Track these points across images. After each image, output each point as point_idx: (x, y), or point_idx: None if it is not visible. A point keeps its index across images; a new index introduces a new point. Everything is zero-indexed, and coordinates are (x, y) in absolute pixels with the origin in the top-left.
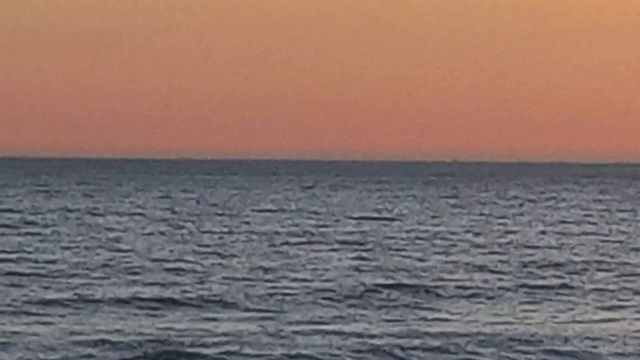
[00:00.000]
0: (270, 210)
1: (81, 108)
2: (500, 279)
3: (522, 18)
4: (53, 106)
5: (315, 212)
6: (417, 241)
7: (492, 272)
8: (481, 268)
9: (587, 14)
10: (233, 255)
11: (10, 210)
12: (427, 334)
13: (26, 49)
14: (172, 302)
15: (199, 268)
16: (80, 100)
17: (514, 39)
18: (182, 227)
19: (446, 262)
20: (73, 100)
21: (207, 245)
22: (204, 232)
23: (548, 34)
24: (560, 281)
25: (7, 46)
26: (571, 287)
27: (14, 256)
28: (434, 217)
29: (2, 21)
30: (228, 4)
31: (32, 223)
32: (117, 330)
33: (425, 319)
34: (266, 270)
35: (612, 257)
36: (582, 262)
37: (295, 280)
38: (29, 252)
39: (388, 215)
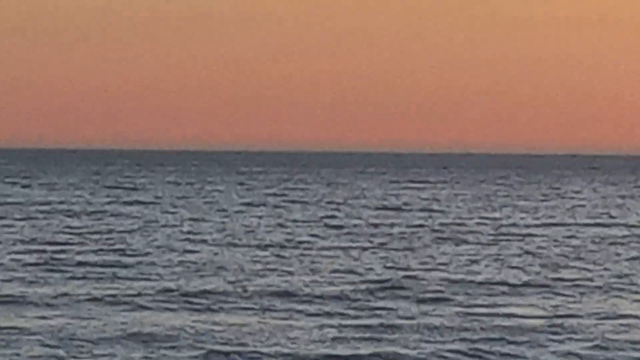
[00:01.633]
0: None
1: (81, 101)
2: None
3: (531, 10)
4: (59, 99)
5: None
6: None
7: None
8: None
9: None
10: None
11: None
12: None
13: (23, 44)
14: None
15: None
16: (80, 93)
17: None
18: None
19: None
20: (74, 93)
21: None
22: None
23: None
24: None
25: (5, 40)
26: None
27: None
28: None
29: (6, 17)
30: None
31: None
32: None
33: None
34: None
35: None
36: None
37: None
38: None
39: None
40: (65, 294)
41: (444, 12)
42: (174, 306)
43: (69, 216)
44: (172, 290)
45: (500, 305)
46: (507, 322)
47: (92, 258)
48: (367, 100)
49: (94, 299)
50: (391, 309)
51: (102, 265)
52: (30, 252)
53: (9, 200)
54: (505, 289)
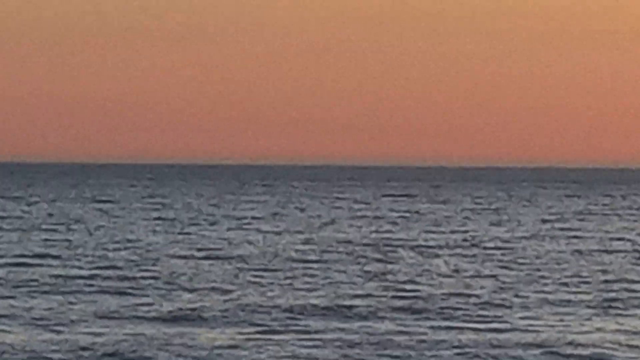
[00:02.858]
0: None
1: (82, 111)
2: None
3: (531, 21)
4: (59, 109)
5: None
6: None
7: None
8: None
9: (596, 17)
10: None
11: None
12: None
13: (25, 51)
14: None
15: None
16: (81, 102)
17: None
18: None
19: None
20: (73, 103)
21: None
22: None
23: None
24: None
25: (5, 48)
26: None
27: None
28: None
29: (6, 23)
30: (233, 8)
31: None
32: None
33: None
34: None
35: None
36: None
37: None
38: None
39: None
40: None
41: (436, 24)
42: None
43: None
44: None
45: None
46: None
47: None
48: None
49: None
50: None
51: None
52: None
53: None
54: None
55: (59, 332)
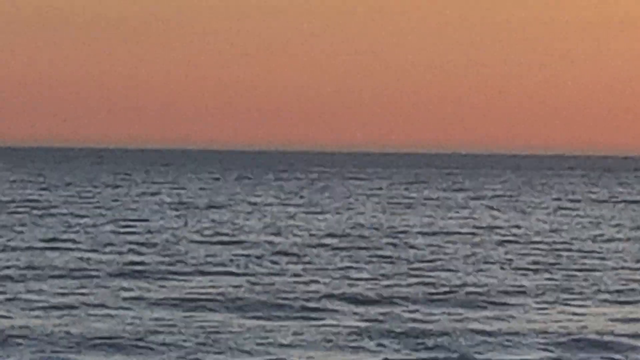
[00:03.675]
0: None
1: (86, 97)
2: None
3: (532, 10)
4: (60, 95)
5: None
6: None
7: None
8: None
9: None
10: None
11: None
12: None
13: (30, 39)
14: None
15: None
16: (85, 89)
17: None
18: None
19: None
20: (77, 89)
21: None
22: None
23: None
24: None
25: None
26: None
27: None
28: None
29: (10, 13)
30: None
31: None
32: None
33: None
34: None
35: None
36: None
37: None
38: None
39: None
40: None
41: (436, 15)
42: None
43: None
44: None
45: None
46: None
47: None
48: (371, 100)
49: None
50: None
51: None
52: None
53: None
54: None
55: (77, 316)
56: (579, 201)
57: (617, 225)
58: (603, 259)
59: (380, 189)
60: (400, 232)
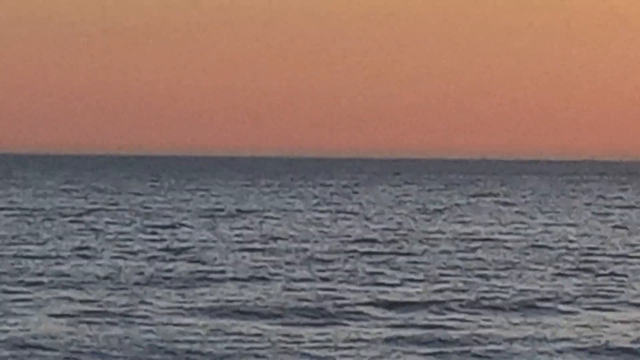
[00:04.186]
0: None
1: (87, 105)
2: None
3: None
4: (60, 103)
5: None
6: None
7: None
8: None
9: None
10: None
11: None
12: None
13: (30, 46)
14: None
15: None
16: (114, 98)
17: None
18: None
19: None
20: (79, 96)
21: None
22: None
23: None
24: None
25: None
26: None
27: None
28: None
29: (10, 18)
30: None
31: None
32: None
33: None
34: None
35: None
36: None
37: None
38: None
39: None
40: None
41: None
42: None
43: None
44: None
45: None
46: None
47: None
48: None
49: None
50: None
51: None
52: None
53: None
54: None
55: (103, 324)
56: (610, 206)
57: None
58: (634, 264)
59: (410, 194)
60: (430, 238)
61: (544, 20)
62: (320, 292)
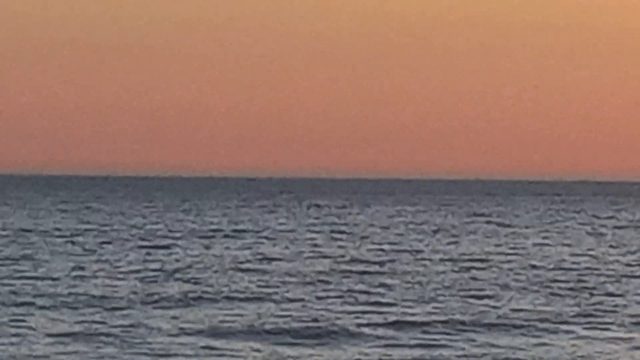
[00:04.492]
0: None
1: (86, 121)
2: None
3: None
4: (55, 120)
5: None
6: None
7: None
8: None
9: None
10: None
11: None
12: None
13: (28, 62)
14: None
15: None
16: (87, 113)
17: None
18: None
19: None
20: (78, 113)
21: None
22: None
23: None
24: None
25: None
26: None
27: None
28: None
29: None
30: (236, 16)
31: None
32: None
33: None
34: None
35: None
36: None
37: None
38: None
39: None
40: None
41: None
42: None
43: None
44: None
45: None
46: None
47: None
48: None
49: None
50: None
51: None
52: None
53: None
54: None
55: (95, 344)
56: (605, 226)
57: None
58: (629, 283)
59: (404, 214)
60: (425, 258)
61: (538, 41)
62: (314, 312)
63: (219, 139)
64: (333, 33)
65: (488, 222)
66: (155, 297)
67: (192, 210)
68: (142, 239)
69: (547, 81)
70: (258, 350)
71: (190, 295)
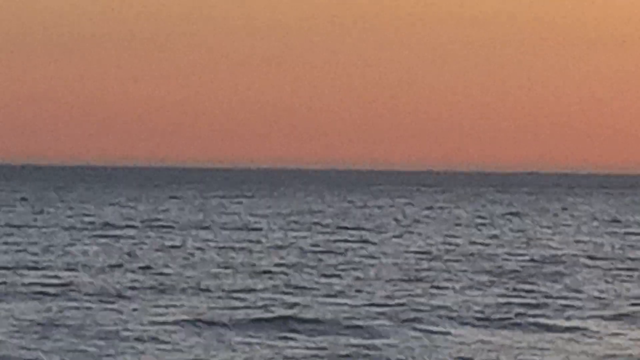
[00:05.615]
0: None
1: (81, 114)
2: None
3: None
4: (52, 111)
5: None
6: None
7: None
8: None
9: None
10: None
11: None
12: None
13: (25, 53)
14: None
15: None
16: (80, 105)
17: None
18: None
19: None
20: (71, 105)
21: None
22: None
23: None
24: None
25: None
26: None
27: None
28: None
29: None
30: (235, 11)
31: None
32: None
33: None
34: None
35: None
36: None
37: None
38: None
39: None
40: None
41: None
42: None
43: None
44: None
45: None
46: None
47: None
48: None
49: None
50: None
51: None
52: None
53: None
54: None
55: (50, 337)
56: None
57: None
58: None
59: (401, 208)
60: (422, 252)
61: (539, 37)
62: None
63: (206, 129)
64: (335, 30)
65: (494, 215)
66: (121, 290)
67: (165, 200)
68: (101, 231)
69: (548, 74)
70: (225, 343)
71: (157, 289)
